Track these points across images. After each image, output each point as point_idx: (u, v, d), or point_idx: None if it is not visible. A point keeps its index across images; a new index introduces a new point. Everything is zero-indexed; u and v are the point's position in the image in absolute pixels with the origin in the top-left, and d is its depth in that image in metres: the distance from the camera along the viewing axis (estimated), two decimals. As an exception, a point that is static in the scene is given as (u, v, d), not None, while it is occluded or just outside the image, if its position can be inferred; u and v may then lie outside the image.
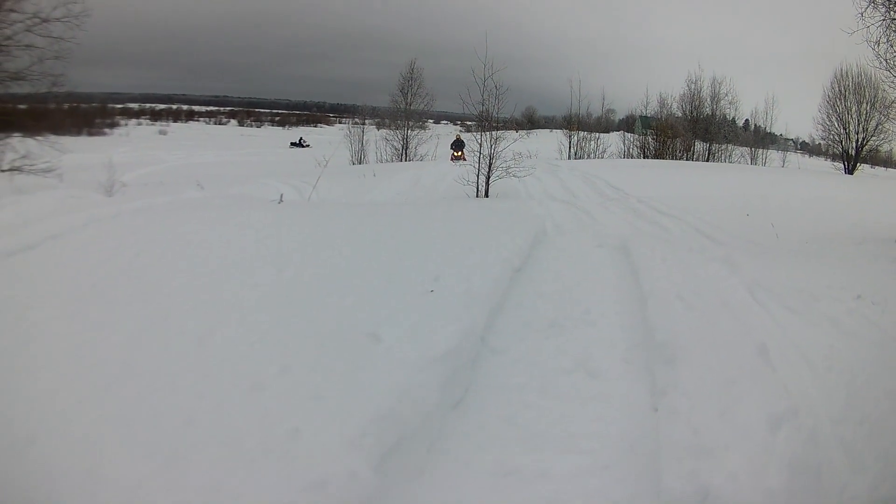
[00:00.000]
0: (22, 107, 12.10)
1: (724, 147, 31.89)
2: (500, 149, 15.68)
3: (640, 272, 5.10)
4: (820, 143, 33.94)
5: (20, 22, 10.74)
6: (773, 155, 32.71)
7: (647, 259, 5.50)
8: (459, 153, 21.24)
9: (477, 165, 15.25)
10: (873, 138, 25.13)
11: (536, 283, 4.65)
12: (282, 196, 8.23)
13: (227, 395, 2.95)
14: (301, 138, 38.21)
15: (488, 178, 15.40)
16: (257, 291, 4.24)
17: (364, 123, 34.40)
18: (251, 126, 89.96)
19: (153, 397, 2.96)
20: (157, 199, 7.68)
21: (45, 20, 10.77)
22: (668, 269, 5.23)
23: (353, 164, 28.23)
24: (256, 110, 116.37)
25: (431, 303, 3.87)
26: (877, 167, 31.57)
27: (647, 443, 2.83)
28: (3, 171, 10.77)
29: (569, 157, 31.15)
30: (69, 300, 4.19)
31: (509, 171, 15.34)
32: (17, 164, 10.92)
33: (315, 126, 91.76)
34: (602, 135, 34.11)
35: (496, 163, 15.49)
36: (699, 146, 31.43)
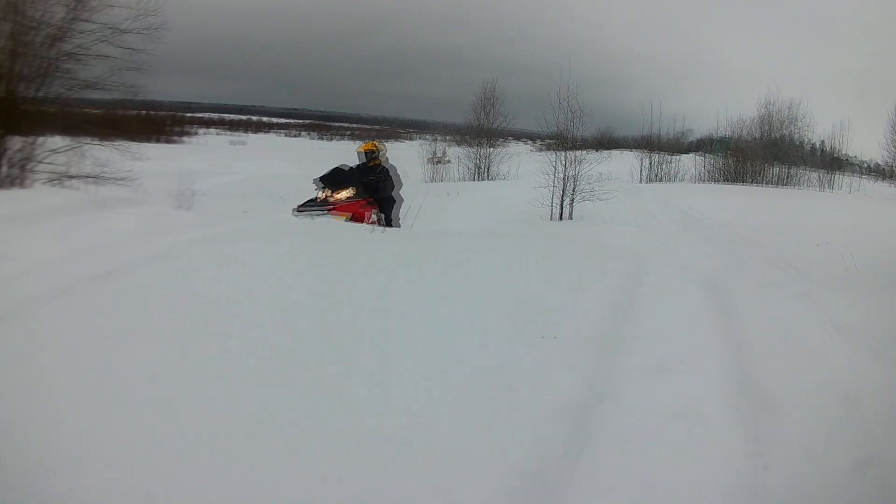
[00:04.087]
0: (95, 112, 12.41)
1: (797, 171, 31.46)
2: (581, 171, 15.81)
3: (731, 313, 5.14)
4: (885, 167, 33.27)
5: (95, 32, 11.16)
6: (845, 179, 32.00)
7: (736, 297, 5.55)
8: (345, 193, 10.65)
9: (552, 188, 15.36)
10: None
11: (633, 323, 4.66)
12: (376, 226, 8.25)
13: (367, 450, 2.92)
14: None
15: (572, 201, 15.51)
16: (378, 335, 4.18)
17: (440, 140, 34.97)
18: (324, 139, 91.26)
19: (286, 462, 2.90)
20: (247, 221, 8.04)
21: (121, 31, 11.15)
22: (754, 309, 5.26)
23: (430, 182, 28.52)
24: (331, 124, 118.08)
25: (546, 349, 3.95)
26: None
27: (749, 491, 2.87)
28: (79, 177, 11.24)
29: (646, 180, 31.06)
30: (166, 335, 4.08)
31: (592, 193, 15.48)
32: (93, 172, 11.25)
33: (395, 141, 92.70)
34: (679, 156, 33.92)
35: (578, 185, 15.60)
36: (773, 170, 31.07)
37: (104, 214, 7.48)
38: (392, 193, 11.78)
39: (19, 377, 3.46)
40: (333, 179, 11.03)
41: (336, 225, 8.68)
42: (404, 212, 11.91)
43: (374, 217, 10.65)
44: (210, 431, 3.03)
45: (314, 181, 10.63)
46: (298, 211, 10.07)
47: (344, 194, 10.51)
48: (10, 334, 4.02)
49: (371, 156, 11.70)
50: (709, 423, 3.37)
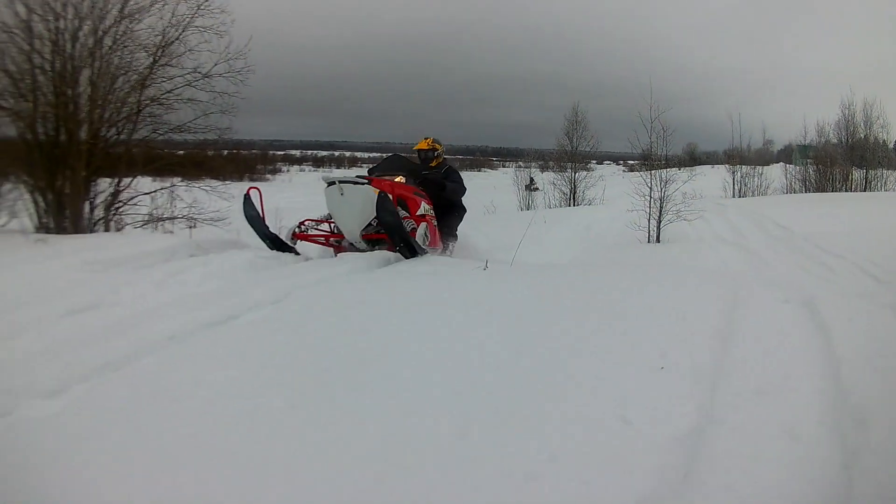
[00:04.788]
0: (181, 153, 12.86)
1: (880, 173, 30.66)
2: (669, 191, 15.84)
3: (825, 328, 5.24)
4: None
5: (180, 77, 11.71)
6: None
7: (829, 311, 5.62)
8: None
9: (644, 210, 15.42)
10: None
11: (735, 347, 4.78)
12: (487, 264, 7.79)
13: (502, 485, 3.02)
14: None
15: (659, 223, 15.55)
16: (504, 375, 4.19)
17: (526, 167, 35.10)
18: None
19: (424, 494, 2.97)
20: (351, 262, 7.78)
21: (206, 75, 11.69)
22: (848, 323, 5.34)
23: (522, 209, 28.71)
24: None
25: (664, 380, 4.13)
26: None
27: (840, 497, 3.12)
28: (171, 219, 11.79)
29: (733, 195, 30.71)
30: (291, 384, 4.10)
31: (679, 214, 15.48)
32: (184, 213, 11.83)
33: (479, 171, 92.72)
34: (763, 167, 33.43)
35: (666, 206, 15.63)
36: (856, 174, 30.36)
37: (205, 258, 7.64)
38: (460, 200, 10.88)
39: (139, 428, 3.57)
40: (385, 166, 10.05)
41: (443, 262, 8.47)
42: (497, 238, 12.04)
43: (422, 231, 9.01)
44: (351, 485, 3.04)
45: (323, 178, 8.91)
46: (329, 183, 8.60)
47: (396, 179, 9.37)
48: (131, 383, 4.19)
49: (429, 155, 10.77)
50: (806, 440, 3.57)
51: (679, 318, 5.29)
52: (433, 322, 5.28)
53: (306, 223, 9.86)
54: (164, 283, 6.66)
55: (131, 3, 11.66)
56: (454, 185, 10.42)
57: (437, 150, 10.74)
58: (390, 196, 8.18)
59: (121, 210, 11.55)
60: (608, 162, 72.36)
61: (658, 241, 15.36)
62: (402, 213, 8.85)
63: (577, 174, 30.88)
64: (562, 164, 32.44)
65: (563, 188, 30.53)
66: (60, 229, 11.63)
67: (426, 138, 10.78)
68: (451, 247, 10.83)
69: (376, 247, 8.96)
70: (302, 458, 3.21)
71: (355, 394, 3.93)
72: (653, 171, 16.40)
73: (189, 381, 4.15)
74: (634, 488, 3.01)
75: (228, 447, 3.33)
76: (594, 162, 38.55)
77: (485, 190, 30.22)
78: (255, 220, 9.11)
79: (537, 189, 33.93)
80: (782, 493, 3.12)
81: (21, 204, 12.92)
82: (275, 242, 9.09)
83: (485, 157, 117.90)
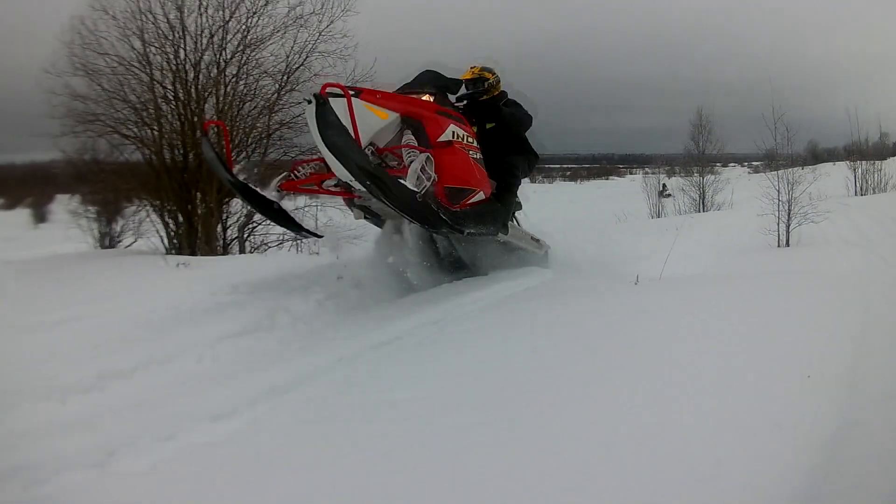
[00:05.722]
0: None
1: None
2: (796, 192, 15.48)
3: None
4: None
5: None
6: None
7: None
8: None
9: (777, 213, 15.06)
10: None
11: (869, 355, 4.72)
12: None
13: (675, 486, 3.08)
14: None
15: (788, 226, 15.19)
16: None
17: (654, 172, 34.75)
18: (543, 182, 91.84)
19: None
20: (513, 281, 7.39)
21: None
22: None
23: (652, 216, 28.37)
24: (547, 166, 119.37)
25: (809, 386, 4.15)
26: None
27: None
28: (307, 237, 11.97)
29: (856, 193, 29.87)
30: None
31: (806, 216, 15.12)
32: (321, 231, 11.95)
33: (606, 178, 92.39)
34: (881, 162, 32.43)
35: (794, 209, 15.27)
36: None
37: (358, 279, 7.58)
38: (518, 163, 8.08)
39: (329, 447, 3.66)
40: (412, 84, 7.05)
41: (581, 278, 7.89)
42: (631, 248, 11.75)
43: (421, 167, 6.10)
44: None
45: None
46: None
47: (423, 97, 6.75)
48: (304, 406, 4.32)
49: (479, 86, 7.95)
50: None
51: (817, 324, 5.34)
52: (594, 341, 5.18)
53: (299, 168, 7.35)
54: (323, 304, 6.80)
55: (251, 34, 12.00)
56: (513, 110, 7.85)
57: (489, 78, 7.94)
58: (342, 103, 5.69)
59: (255, 230, 11.82)
60: (733, 164, 70.91)
61: (787, 244, 15.06)
62: (408, 139, 6.31)
63: (705, 178, 30.34)
64: (688, 168, 31.92)
65: (691, 194, 30.00)
66: (192, 250, 11.97)
67: (472, 67, 8.00)
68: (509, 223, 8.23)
69: None
70: (492, 469, 3.26)
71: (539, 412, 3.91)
72: (778, 173, 16.10)
73: (372, 401, 4.24)
74: (789, 487, 3.10)
75: (420, 461, 3.40)
76: (719, 165, 37.86)
77: (615, 199, 30.00)
78: (215, 162, 7.07)
79: (670, 195, 33.47)
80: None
81: (147, 226, 13.31)
82: (245, 193, 6.85)
83: (612, 165, 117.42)
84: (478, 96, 7.93)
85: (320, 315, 6.56)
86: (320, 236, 7.42)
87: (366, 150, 5.96)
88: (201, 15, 12.54)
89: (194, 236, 12.16)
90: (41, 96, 11.95)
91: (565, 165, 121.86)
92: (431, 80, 6.96)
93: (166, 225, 13.34)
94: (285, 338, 5.99)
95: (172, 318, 6.48)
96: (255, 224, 12.07)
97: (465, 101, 7.90)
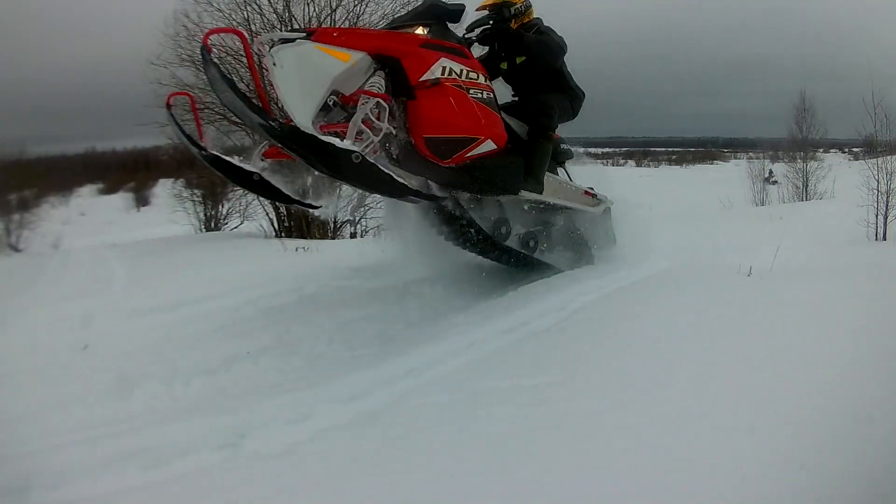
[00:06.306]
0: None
1: None
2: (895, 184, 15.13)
3: None
4: None
5: None
6: None
7: None
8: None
9: (876, 204, 14.75)
10: None
11: None
12: None
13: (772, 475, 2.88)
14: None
15: (885, 218, 14.88)
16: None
17: (757, 158, 33.91)
18: (648, 166, 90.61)
19: None
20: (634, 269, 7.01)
21: None
22: None
23: (756, 204, 27.83)
24: (653, 149, 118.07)
25: None
26: None
27: None
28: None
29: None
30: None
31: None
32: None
33: (711, 163, 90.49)
34: None
35: (892, 200, 14.94)
36: None
37: None
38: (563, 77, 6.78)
39: (463, 429, 3.64)
40: (406, 14, 6.03)
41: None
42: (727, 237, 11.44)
43: (365, 119, 4.71)
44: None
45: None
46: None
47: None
48: (440, 387, 4.32)
49: (504, 13, 6.48)
50: None
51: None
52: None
53: None
54: (448, 289, 6.84)
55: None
56: (538, 37, 6.43)
57: (514, 3, 6.55)
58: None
59: (366, 214, 12.03)
60: (834, 150, 68.92)
61: (885, 238, 14.75)
62: (372, 84, 5.04)
63: (808, 165, 29.62)
64: (790, 154, 31.22)
65: (795, 181, 29.33)
66: (302, 234, 12.24)
67: None
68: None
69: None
70: (626, 453, 3.18)
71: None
72: (877, 161, 15.66)
73: (506, 385, 4.20)
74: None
75: (560, 443, 3.36)
76: (821, 151, 36.83)
77: (720, 184, 29.41)
78: (180, 137, 6.05)
79: (776, 182, 32.65)
80: None
81: (253, 208, 13.56)
82: (219, 166, 5.72)
83: (716, 149, 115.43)
84: (501, 24, 6.39)
85: (447, 300, 6.56)
86: (316, 206, 5.91)
87: (328, 99, 4.98)
88: (308, 3, 12.85)
89: (306, 220, 12.48)
90: (147, 87, 12.70)
91: (670, 149, 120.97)
92: (427, 10, 5.66)
93: (276, 208, 13.70)
94: (414, 321, 6.09)
95: (296, 301, 6.70)
96: (367, 207, 12.29)
97: (484, 32, 6.37)
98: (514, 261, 6.86)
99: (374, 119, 4.72)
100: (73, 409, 4.41)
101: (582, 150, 8.46)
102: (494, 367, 4.62)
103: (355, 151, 4.50)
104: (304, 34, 4.95)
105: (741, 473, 2.88)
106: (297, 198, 5.63)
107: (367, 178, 4.73)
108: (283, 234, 13.15)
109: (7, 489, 3.36)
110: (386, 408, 4.10)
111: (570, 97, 6.79)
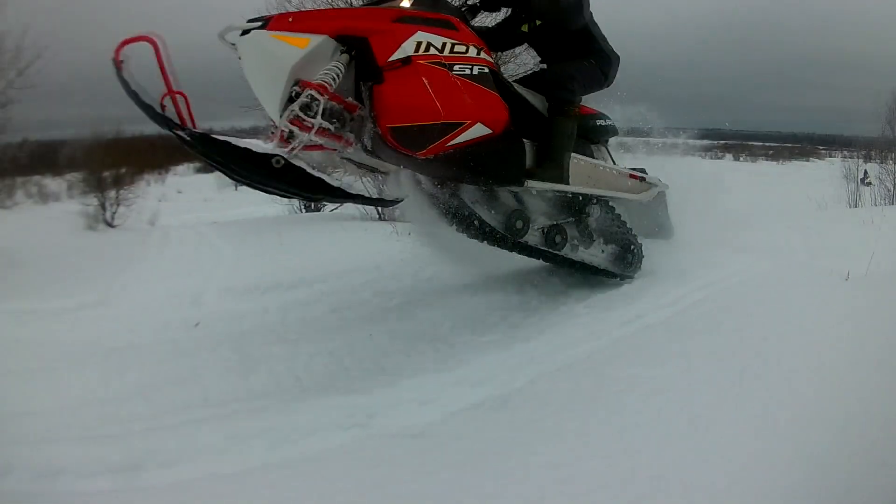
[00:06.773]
0: None
1: None
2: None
3: None
4: None
5: None
6: None
7: None
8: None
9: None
10: None
11: None
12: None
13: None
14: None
15: None
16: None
17: (851, 157, 33.04)
18: (745, 161, 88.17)
19: None
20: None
21: None
22: None
23: (850, 206, 27.22)
24: (750, 143, 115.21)
25: None
26: None
27: None
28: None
29: None
30: None
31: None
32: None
33: (807, 160, 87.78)
34: None
35: None
36: None
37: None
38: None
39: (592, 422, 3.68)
40: None
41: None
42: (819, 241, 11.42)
43: (294, 118, 4.07)
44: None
45: None
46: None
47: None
48: (570, 375, 4.34)
49: None
50: None
51: None
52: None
53: None
54: (565, 280, 6.82)
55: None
56: (572, 17, 5.43)
57: None
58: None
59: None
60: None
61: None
62: (324, 74, 4.25)
63: (897, 165, 28.89)
64: (884, 154, 30.52)
65: (887, 184, 28.69)
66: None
67: None
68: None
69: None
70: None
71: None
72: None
73: (626, 374, 4.25)
74: None
75: (681, 434, 3.49)
76: (911, 151, 35.69)
77: (815, 183, 28.87)
78: (135, 96, 4.23)
79: (870, 183, 32.01)
80: None
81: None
82: (203, 140, 4.10)
83: (812, 146, 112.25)
84: None
85: (565, 290, 6.52)
86: (388, 202, 5.27)
87: (291, 90, 4.21)
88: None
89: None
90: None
91: (767, 143, 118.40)
92: None
93: (380, 190, 14.08)
94: (535, 310, 6.04)
95: (412, 285, 6.90)
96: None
97: None
98: (542, 259, 6.28)
99: (303, 116, 4.08)
100: (188, 386, 4.54)
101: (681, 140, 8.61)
102: (616, 356, 4.63)
103: (276, 155, 3.95)
104: (261, 23, 4.35)
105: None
106: (353, 192, 4.46)
107: (294, 183, 4.09)
108: (384, 217, 13.49)
109: (118, 466, 3.37)
110: (515, 392, 4.12)
111: (598, 62, 5.73)
